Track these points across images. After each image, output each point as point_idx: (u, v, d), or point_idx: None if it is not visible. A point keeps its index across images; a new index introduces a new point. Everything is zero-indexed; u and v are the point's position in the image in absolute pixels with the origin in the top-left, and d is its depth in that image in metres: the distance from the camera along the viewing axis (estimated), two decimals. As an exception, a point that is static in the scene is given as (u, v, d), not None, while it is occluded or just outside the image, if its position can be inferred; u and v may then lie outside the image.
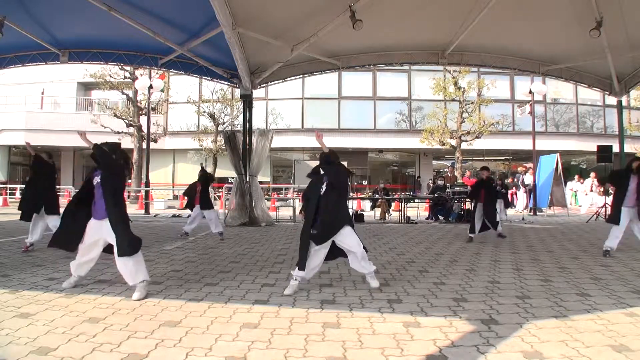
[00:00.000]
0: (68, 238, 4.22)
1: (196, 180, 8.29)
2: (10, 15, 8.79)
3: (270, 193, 19.75)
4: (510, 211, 14.32)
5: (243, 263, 5.64)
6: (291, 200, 15.00)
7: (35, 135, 23.96)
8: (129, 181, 20.48)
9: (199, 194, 8.13)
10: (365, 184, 25.39)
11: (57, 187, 7.21)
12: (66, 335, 2.95)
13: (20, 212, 6.46)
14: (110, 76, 20.28)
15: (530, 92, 16.47)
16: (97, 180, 4.04)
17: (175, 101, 24.93)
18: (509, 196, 15.00)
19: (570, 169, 24.31)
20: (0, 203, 18.27)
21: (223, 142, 12.99)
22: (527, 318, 3.35)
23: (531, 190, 15.10)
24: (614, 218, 6.18)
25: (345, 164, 15.05)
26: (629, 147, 19.26)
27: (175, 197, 19.68)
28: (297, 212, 7.65)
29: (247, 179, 11.01)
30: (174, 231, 8.68)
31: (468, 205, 12.39)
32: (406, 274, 5.00)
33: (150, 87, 16.03)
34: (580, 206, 17.60)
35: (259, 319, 3.35)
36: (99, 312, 3.45)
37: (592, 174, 18.28)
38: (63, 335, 2.93)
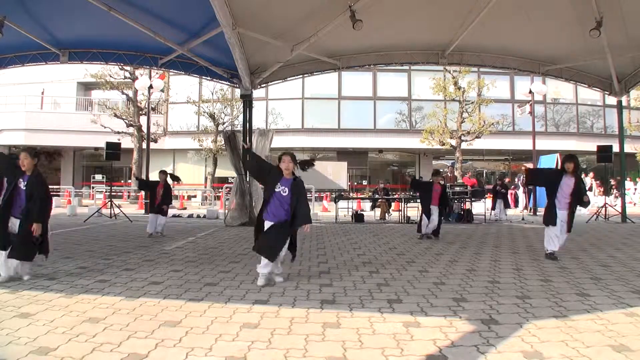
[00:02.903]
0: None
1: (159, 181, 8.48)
2: (10, 15, 8.79)
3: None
4: (510, 211, 14.33)
5: (243, 263, 5.64)
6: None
7: (35, 135, 24.00)
8: (129, 181, 20.50)
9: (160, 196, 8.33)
10: (365, 184, 25.40)
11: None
12: (66, 335, 2.94)
13: None
14: (111, 76, 20.29)
15: (530, 92, 16.48)
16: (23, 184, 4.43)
17: (175, 101, 24.94)
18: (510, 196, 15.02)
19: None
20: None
21: (223, 142, 13.00)
22: (527, 318, 3.35)
23: (531, 190, 15.11)
24: None
25: (345, 164, 14.93)
26: (629, 147, 19.27)
27: (175, 197, 19.68)
28: None
29: (247, 179, 11.01)
30: (174, 231, 8.69)
31: (468, 205, 12.42)
32: (406, 274, 5.00)
33: (150, 87, 16.02)
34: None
35: (259, 319, 3.35)
36: (99, 312, 3.45)
37: (591, 174, 18.28)
38: (63, 335, 2.93)
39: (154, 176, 9.96)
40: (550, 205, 5.91)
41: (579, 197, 5.86)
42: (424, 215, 8.16)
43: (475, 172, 25.34)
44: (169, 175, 8.60)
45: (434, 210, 8.10)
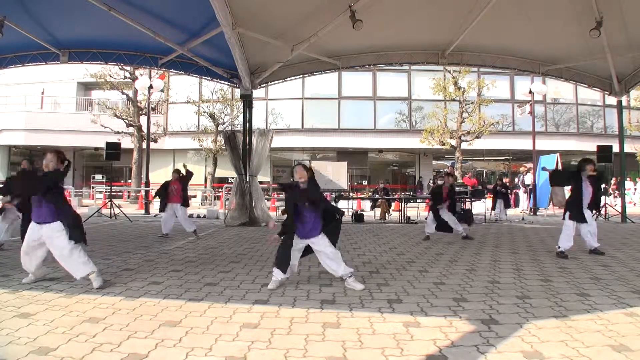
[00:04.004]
0: None
1: (171, 179, 8.45)
2: (10, 15, 8.80)
3: (270, 193, 19.75)
4: (510, 211, 14.33)
5: (243, 263, 5.64)
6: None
7: (35, 135, 24.00)
8: (129, 181, 20.50)
9: (178, 192, 8.31)
10: (365, 184, 25.40)
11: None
12: (66, 335, 2.95)
13: None
14: (111, 76, 20.29)
15: (530, 92, 16.48)
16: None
17: (175, 101, 24.94)
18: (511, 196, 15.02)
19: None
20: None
21: (223, 142, 13.00)
22: (527, 318, 3.35)
23: (531, 190, 15.11)
24: None
25: (345, 164, 14.86)
26: (629, 147, 19.27)
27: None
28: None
29: (247, 179, 11.02)
30: (174, 231, 8.67)
31: (467, 205, 12.41)
32: (406, 274, 5.00)
33: (150, 87, 16.04)
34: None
35: (259, 319, 3.35)
36: (99, 312, 3.45)
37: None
38: (63, 335, 2.93)
39: (154, 176, 9.91)
40: (577, 201, 6.15)
41: (596, 199, 6.30)
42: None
43: (475, 172, 25.36)
44: (182, 172, 8.58)
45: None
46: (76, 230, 4.24)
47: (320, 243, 4.37)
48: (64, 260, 4.18)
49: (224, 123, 21.79)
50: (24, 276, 4.62)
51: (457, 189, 12.57)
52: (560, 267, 5.34)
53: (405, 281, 4.61)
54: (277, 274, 4.31)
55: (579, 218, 6.11)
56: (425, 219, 12.52)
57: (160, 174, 24.49)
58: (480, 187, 15.01)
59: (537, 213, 14.52)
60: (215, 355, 2.68)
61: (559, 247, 6.07)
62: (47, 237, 4.17)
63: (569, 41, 10.35)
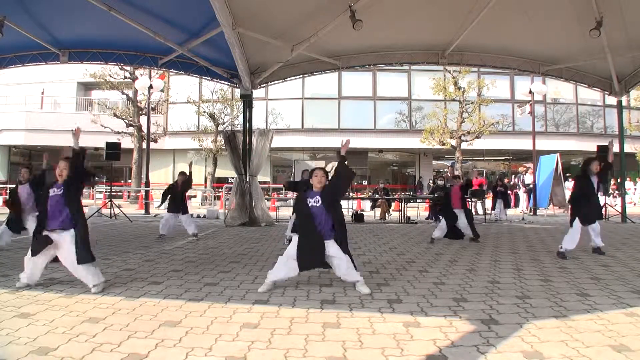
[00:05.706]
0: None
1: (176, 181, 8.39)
2: (10, 15, 8.80)
3: (270, 193, 19.75)
4: (510, 211, 14.34)
5: (243, 263, 5.64)
6: (291, 200, 14.99)
7: (35, 135, 24.01)
8: (129, 181, 20.50)
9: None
10: (365, 184, 25.40)
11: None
12: (66, 335, 2.95)
13: None
14: (110, 76, 20.29)
15: (530, 92, 16.48)
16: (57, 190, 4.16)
17: (175, 101, 24.93)
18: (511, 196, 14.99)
19: (570, 168, 24.31)
20: (0, 203, 18.24)
21: (223, 142, 13.01)
22: (527, 318, 3.35)
23: (531, 190, 15.11)
24: None
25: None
26: (629, 147, 19.26)
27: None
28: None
29: (247, 179, 11.02)
30: (174, 231, 8.67)
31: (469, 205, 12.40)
32: (406, 274, 5.00)
33: (150, 87, 16.03)
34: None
35: (259, 319, 3.35)
36: (99, 312, 3.45)
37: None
38: (63, 335, 2.93)
39: (154, 176, 9.86)
40: (590, 203, 6.17)
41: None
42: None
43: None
44: (188, 171, 8.52)
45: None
46: (83, 251, 4.12)
47: (332, 249, 4.24)
48: (74, 270, 4.11)
49: (224, 123, 21.78)
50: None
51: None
52: (560, 267, 5.34)
53: (405, 281, 4.61)
54: (272, 275, 4.23)
55: (594, 217, 6.15)
56: (426, 219, 12.63)
57: (160, 174, 24.52)
58: (484, 187, 14.97)
59: (537, 213, 14.52)
60: (215, 355, 2.68)
61: (561, 247, 6.07)
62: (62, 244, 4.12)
63: (569, 41, 10.35)
